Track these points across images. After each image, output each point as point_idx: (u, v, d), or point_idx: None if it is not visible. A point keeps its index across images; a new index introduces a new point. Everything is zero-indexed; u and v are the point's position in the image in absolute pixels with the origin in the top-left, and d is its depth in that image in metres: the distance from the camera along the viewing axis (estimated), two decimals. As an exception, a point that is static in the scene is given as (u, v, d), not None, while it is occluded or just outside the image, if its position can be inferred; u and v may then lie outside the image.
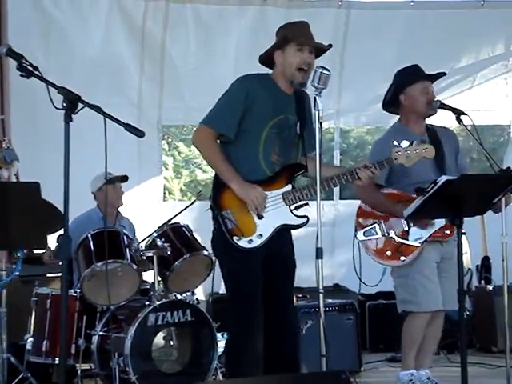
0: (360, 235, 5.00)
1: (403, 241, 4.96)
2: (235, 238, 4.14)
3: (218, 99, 4.30)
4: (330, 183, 4.22)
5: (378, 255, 5.00)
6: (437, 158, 4.88)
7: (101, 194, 6.26)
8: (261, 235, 4.16)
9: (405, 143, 4.33)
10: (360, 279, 4.94)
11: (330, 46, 4.30)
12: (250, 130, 4.22)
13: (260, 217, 4.16)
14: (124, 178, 6.37)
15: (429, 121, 5.22)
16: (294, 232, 4.37)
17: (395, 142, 4.36)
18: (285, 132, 4.28)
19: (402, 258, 4.96)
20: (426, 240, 4.96)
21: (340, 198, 8.45)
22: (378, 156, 4.53)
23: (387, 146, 4.52)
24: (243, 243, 4.14)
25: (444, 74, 5.17)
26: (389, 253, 4.98)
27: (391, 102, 5.22)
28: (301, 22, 4.39)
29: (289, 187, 4.24)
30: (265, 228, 4.17)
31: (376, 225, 5.00)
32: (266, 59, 4.36)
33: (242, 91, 4.22)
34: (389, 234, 4.97)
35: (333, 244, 7.79)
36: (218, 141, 4.30)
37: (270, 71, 4.40)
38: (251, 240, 4.15)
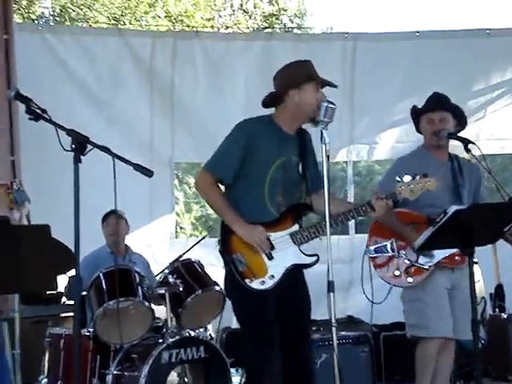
0: (371, 251, 5.00)
1: (414, 262, 4.97)
2: (247, 281, 4.14)
3: (220, 144, 4.33)
4: (338, 221, 4.24)
5: (387, 274, 5.00)
6: (454, 186, 5.03)
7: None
8: (273, 276, 4.16)
9: (407, 178, 4.36)
10: (364, 293, 4.92)
11: (336, 86, 4.33)
12: (255, 173, 4.25)
13: (270, 258, 4.17)
14: (117, 213, 6.41)
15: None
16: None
17: (397, 178, 4.40)
18: (289, 173, 4.31)
19: (410, 279, 4.97)
20: (435, 264, 4.95)
21: (356, 232, 8.39)
22: (388, 179, 4.56)
23: (405, 167, 4.55)
24: (256, 285, 4.15)
25: None
26: (397, 272, 4.99)
27: (417, 129, 5.31)
28: (308, 61, 4.41)
29: (296, 227, 4.27)
30: (276, 269, 4.17)
31: (388, 243, 5.00)
32: (271, 98, 4.37)
33: (243, 137, 4.25)
34: (399, 253, 4.97)
35: (351, 279, 7.66)
36: (223, 186, 4.34)
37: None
38: (263, 281, 4.15)
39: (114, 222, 6.51)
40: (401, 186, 4.34)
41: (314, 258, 4.24)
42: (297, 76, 4.31)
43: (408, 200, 4.61)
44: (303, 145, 4.38)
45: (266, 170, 4.25)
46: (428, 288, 4.97)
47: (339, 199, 4.63)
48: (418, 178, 4.38)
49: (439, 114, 5.13)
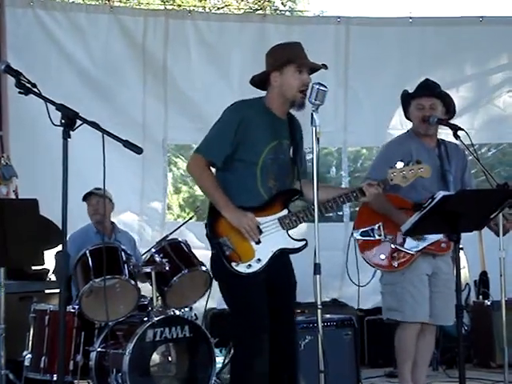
0: (357, 234, 5.01)
1: (399, 247, 4.99)
2: (233, 264, 4.13)
3: (212, 127, 4.31)
4: (327, 206, 4.23)
5: (372, 257, 5.03)
6: (441, 172, 5.06)
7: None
8: (259, 260, 4.15)
9: (400, 164, 4.35)
10: (349, 275, 4.94)
11: (326, 66, 4.29)
12: (247, 157, 4.23)
13: (258, 242, 4.17)
14: (98, 193, 6.41)
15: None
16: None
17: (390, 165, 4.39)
18: (280, 157, 4.29)
19: (395, 263, 5.00)
20: (421, 250, 4.98)
21: (350, 220, 8.29)
22: (378, 166, 4.56)
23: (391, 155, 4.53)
24: (242, 268, 4.14)
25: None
26: (383, 256, 5.02)
27: (406, 115, 5.33)
28: (296, 43, 4.37)
29: (285, 212, 4.25)
30: (263, 253, 4.16)
31: (375, 227, 5.00)
32: (260, 80, 4.34)
33: (235, 120, 4.22)
34: (386, 237, 4.98)
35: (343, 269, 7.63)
36: (214, 169, 4.32)
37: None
38: (250, 265, 4.14)
39: (95, 201, 6.49)
40: (393, 173, 4.32)
41: (303, 243, 4.23)
42: (278, 59, 4.27)
43: (399, 186, 4.62)
44: (293, 129, 4.37)
45: (258, 153, 4.23)
46: (407, 273, 5.01)
47: (329, 186, 4.60)
48: (410, 164, 4.38)
49: (429, 100, 5.14)
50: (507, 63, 8.45)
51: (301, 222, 4.24)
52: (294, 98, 4.24)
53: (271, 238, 4.20)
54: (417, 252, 5.00)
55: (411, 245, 4.99)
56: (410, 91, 5.28)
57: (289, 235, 4.24)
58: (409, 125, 5.38)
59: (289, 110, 4.35)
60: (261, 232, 4.17)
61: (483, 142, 8.92)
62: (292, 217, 4.23)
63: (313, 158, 4.02)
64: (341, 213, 8.82)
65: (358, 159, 12.86)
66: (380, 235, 4.96)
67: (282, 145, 4.30)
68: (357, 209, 5.55)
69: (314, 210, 4.08)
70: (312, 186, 4.07)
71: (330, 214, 10.87)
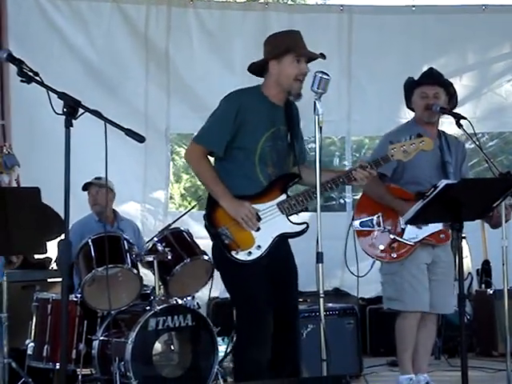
0: (356, 224, 5.00)
1: (398, 238, 4.98)
2: (233, 253, 4.13)
3: (209, 116, 4.31)
4: (326, 187, 4.20)
5: (370, 247, 5.03)
6: (442, 163, 5.05)
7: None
8: (259, 246, 4.15)
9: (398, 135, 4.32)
10: (347, 266, 4.94)
11: (324, 56, 4.26)
12: (245, 145, 4.23)
13: (257, 229, 4.16)
14: (97, 183, 6.38)
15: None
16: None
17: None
18: (278, 144, 4.29)
19: (393, 254, 5.00)
20: (420, 241, 4.98)
21: (353, 209, 8.32)
22: (379, 150, 4.55)
23: (392, 139, 4.53)
24: (242, 256, 4.14)
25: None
26: (381, 247, 5.01)
27: (408, 104, 5.30)
28: (295, 31, 4.36)
29: (283, 196, 4.24)
30: (263, 239, 4.16)
31: (374, 217, 4.99)
32: (257, 68, 4.34)
33: (233, 108, 4.22)
34: (385, 228, 4.97)
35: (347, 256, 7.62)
36: (213, 158, 4.32)
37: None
38: (250, 252, 4.14)
39: (95, 191, 6.47)
40: (393, 148, 4.26)
41: (303, 226, 4.22)
42: (277, 47, 4.26)
43: (407, 166, 4.58)
44: (290, 115, 4.36)
45: (256, 141, 4.23)
46: (406, 262, 5.01)
47: (328, 169, 4.57)
48: (411, 137, 4.32)
49: (433, 89, 5.12)
50: (510, 52, 8.43)
51: (300, 206, 4.22)
52: (290, 87, 4.24)
53: (271, 224, 4.19)
54: (416, 243, 4.99)
55: (410, 235, 4.98)
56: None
57: (289, 220, 4.23)
58: (411, 114, 5.36)
59: (286, 98, 4.34)
60: (260, 219, 4.17)
61: (485, 130, 8.91)
62: (291, 201, 4.22)
63: (315, 147, 4.01)
64: (343, 202, 8.83)
65: (360, 149, 12.86)
66: (379, 225, 4.96)
67: (279, 131, 4.30)
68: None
69: (313, 192, 4.09)
70: (310, 170, 4.08)
71: (333, 203, 10.90)
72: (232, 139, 4.22)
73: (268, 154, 4.25)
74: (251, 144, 4.23)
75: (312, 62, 4.32)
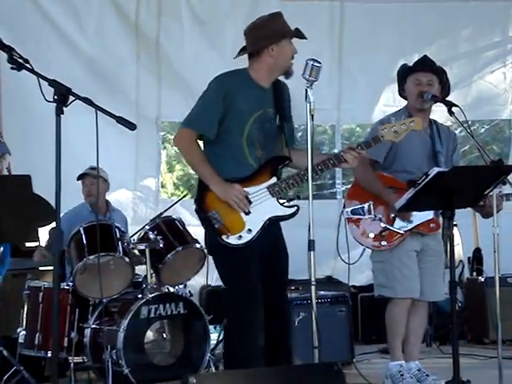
0: (347, 212, 5.01)
1: (388, 226, 4.98)
2: (224, 237, 4.14)
3: (197, 100, 4.31)
4: (317, 169, 4.18)
5: (361, 235, 5.03)
6: (433, 152, 5.04)
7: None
8: (250, 230, 4.15)
9: (391, 120, 4.33)
10: (339, 254, 4.95)
11: (305, 37, 4.29)
12: (233, 127, 4.23)
13: (247, 212, 4.16)
14: (92, 173, 6.34)
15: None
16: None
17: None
18: (266, 126, 4.29)
19: (384, 242, 5.00)
20: (410, 229, 4.99)
21: (343, 197, 8.30)
22: (373, 133, 4.56)
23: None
24: (233, 240, 4.14)
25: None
26: (372, 235, 5.01)
27: (400, 93, 5.30)
28: (279, 13, 4.37)
29: (274, 179, 4.24)
30: (253, 222, 4.16)
31: (366, 205, 4.99)
32: (249, 52, 4.34)
33: (221, 91, 4.22)
34: (376, 216, 4.98)
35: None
36: (202, 142, 4.31)
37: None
38: (240, 236, 4.15)
39: (90, 182, 6.42)
40: (383, 129, 4.25)
41: (294, 209, 4.22)
42: (275, 31, 4.27)
43: (398, 153, 4.57)
44: (279, 97, 4.35)
45: (243, 124, 4.23)
46: (396, 250, 5.02)
47: (318, 152, 4.57)
48: (401, 118, 4.31)
49: (427, 76, 5.11)
50: (500, 40, 8.44)
51: (290, 189, 4.22)
52: (288, 67, 4.29)
53: (261, 207, 4.19)
54: (406, 231, 5.00)
55: (401, 224, 4.99)
56: None
57: (279, 203, 4.23)
58: (402, 102, 5.36)
59: (275, 79, 4.34)
60: (250, 202, 4.17)
61: (475, 118, 8.92)
62: (281, 184, 4.22)
63: (307, 135, 4.01)
64: (333, 190, 8.83)
65: (351, 137, 12.85)
66: (370, 213, 4.96)
67: (266, 114, 4.30)
68: (349, 186, 5.54)
69: (303, 175, 4.11)
70: (300, 152, 4.09)
71: (324, 191, 10.88)
72: (220, 122, 4.22)
73: (256, 136, 4.25)
74: (239, 127, 4.23)
75: (303, 51, 4.34)
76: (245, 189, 4.17)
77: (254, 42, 4.32)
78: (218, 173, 4.18)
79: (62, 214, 3.49)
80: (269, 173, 4.25)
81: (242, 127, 4.23)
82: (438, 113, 5.44)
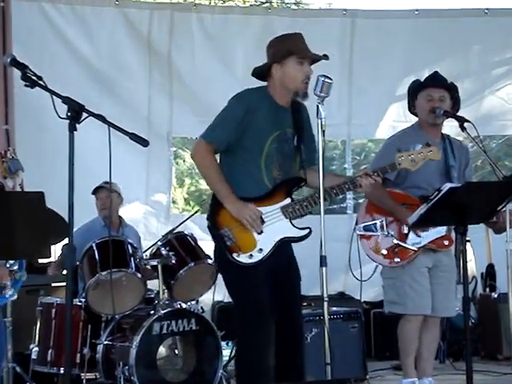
0: (360, 228, 5.00)
1: (401, 243, 4.97)
2: (234, 255, 4.12)
3: (218, 114, 4.30)
4: (331, 193, 4.18)
5: (373, 252, 5.01)
6: (445, 167, 5.03)
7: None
8: (261, 250, 4.14)
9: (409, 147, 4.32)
10: (351, 271, 4.94)
11: (327, 57, 4.27)
12: (252, 145, 4.22)
13: (260, 232, 4.16)
14: (108, 187, 6.36)
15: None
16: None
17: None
18: (284, 146, 4.28)
19: (397, 259, 4.98)
20: (423, 246, 4.97)
21: (354, 212, 8.14)
22: (384, 155, 4.54)
23: (398, 144, 4.50)
24: (243, 259, 4.13)
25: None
26: (384, 251, 4.99)
27: (410, 109, 5.29)
28: (296, 34, 4.35)
29: (288, 200, 4.22)
30: (265, 242, 4.15)
31: (378, 222, 4.98)
32: (261, 72, 4.33)
33: (242, 107, 4.21)
34: (389, 233, 4.97)
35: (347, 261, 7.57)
36: (219, 156, 4.31)
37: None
38: (251, 255, 4.13)
39: (104, 195, 6.47)
40: (401, 156, 4.26)
41: (306, 231, 4.20)
42: (279, 51, 4.26)
43: (404, 176, 4.56)
44: (297, 117, 4.34)
45: (261, 143, 4.22)
46: (407, 267, 5.00)
47: (333, 174, 4.57)
48: (419, 146, 4.32)
49: (439, 92, 5.11)
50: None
51: (304, 211, 4.20)
52: (296, 89, 4.25)
53: (274, 227, 4.18)
54: (419, 248, 4.98)
55: (413, 241, 4.97)
56: None
57: (292, 224, 4.21)
58: (413, 118, 5.36)
59: (293, 99, 4.33)
60: (263, 222, 4.16)
61: (487, 134, 8.91)
62: (295, 205, 4.21)
63: (318, 151, 4.01)
64: (344, 205, 8.81)
65: (362, 152, 12.87)
66: (383, 230, 4.96)
67: (285, 134, 4.29)
68: (360, 201, 5.53)
69: (317, 197, 4.08)
70: (316, 173, 4.06)
71: (334, 206, 10.88)
72: (238, 139, 4.20)
73: (274, 156, 4.24)
74: (257, 145, 4.22)
75: (315, 65, 4.31)
76: (258, 208, 4.16)
77: (267, 58, 4.33)
78: (232, 190, 4.18)
79: (75, 229, 3.49)
80: (283, 193, 4.24)
81: (261, 146, 4.22)
82: (447, 128, 5.43)
